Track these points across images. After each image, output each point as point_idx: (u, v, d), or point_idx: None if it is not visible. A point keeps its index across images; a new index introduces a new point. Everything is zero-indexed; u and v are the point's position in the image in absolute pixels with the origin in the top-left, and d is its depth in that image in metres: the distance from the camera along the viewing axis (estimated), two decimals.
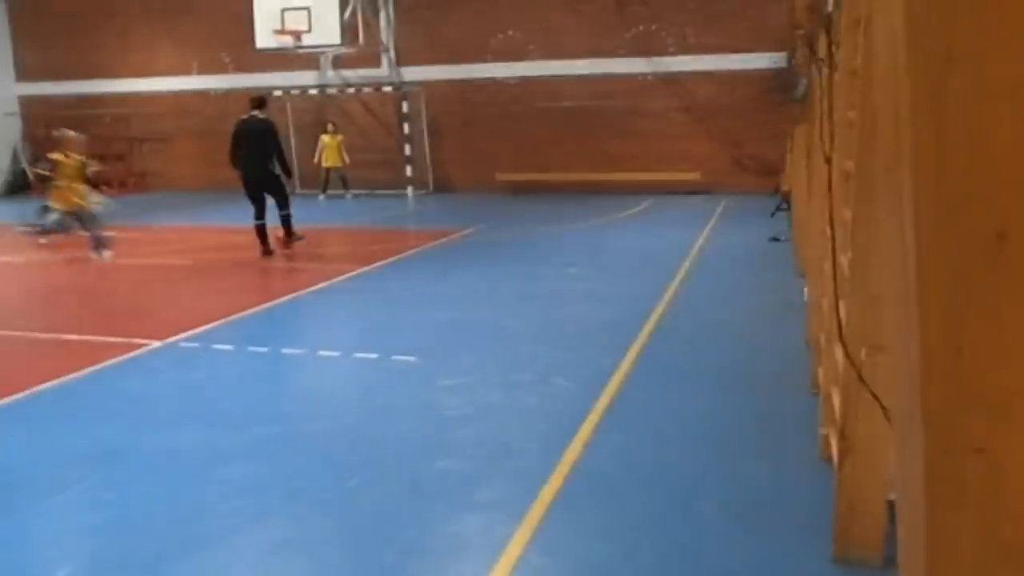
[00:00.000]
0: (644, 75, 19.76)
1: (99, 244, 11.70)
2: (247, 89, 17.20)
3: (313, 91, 21.41)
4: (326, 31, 18.96)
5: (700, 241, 12.59)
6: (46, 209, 12.09)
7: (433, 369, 6.41)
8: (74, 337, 7.58)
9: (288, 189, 12.14)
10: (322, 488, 4.39)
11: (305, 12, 18.85)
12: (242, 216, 12.48)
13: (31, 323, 8.32)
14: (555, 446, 4.81)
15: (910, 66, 1.17)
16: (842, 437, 3.40)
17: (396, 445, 4.95)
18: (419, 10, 20.90)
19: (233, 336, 7.45)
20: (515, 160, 20.80)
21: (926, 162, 1.16)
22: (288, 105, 21.05)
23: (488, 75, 20.87)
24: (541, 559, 3.63)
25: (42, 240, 12.19)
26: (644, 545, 3.75)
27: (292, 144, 20.38)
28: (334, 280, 10.00)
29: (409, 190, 20.92)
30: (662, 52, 19.56)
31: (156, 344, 7.18)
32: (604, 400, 5.60)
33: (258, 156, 11.55)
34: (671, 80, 19.64)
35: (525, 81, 20.68)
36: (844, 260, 3.55)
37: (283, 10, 18.94)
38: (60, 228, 11.92)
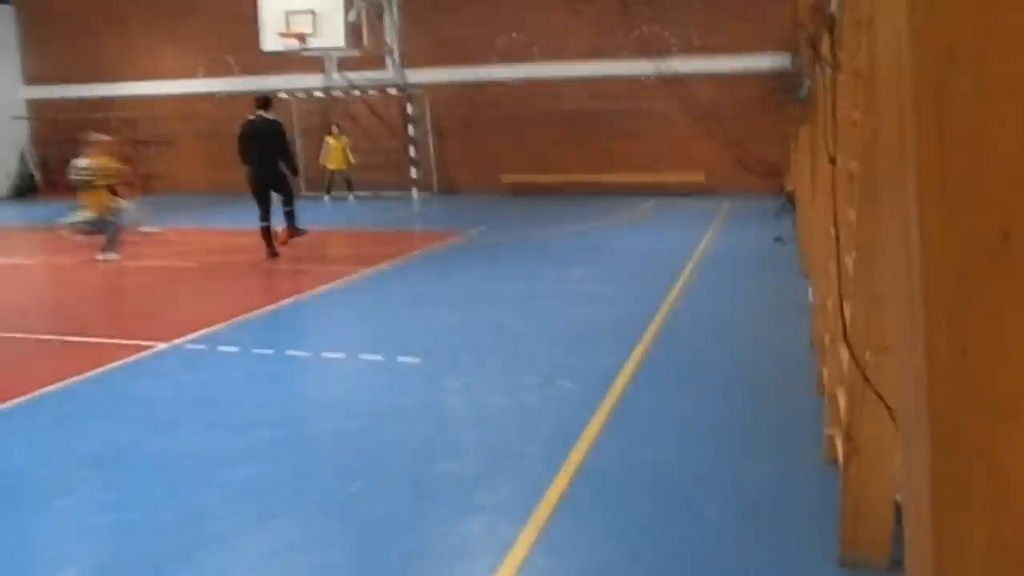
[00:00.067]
0: (647, 76, 19.74)
1: (110, 246, 11.79)
2: (252, 92, 17.24)
3: (318, 93, 21.45)
4: (331, 34, 19.00)
5: (704, 242, 12.58)
6: (77, 211, 12.22)
7: (437, 371, 6.41)
8: (79, 339, 7.60)
9: (294, 188, 12.19)
10: (326, 490, 4.39)
11: (310, 15, 18.89)
12: (247, 218, 12.51)
13: (36, 325, 8.35)
14: (560, 447, 4.81)
15: (913, 66, 1.16)
16: (847, 438, 3.39)
17: (400, 447, 4.96)
18: (423, 12, 20.92)
19: (238, 338, 7.46)
20: (519, 161, 20.82)
21: (930, 162, 1.16)
22: (293, 107, 21.09)
23: (492, 77, 20.89)
24: (547, 560, 3.63)
25: (79, 238, 12.31)
26: (649, 546, 3.74)
27: (297, 146, 20.41)
28: (339, 282, 10.02)
29: (414, 192, 20.95)
30: (665, 53, 19.52)
31: (161, 346, 7.19)
32: (609, 401, 5.60)
33: (267, 156, 11.59)
34: (674, 81, 19.59)
35: (529, 83, 20.70)
36: (848, 260, 3.54)
37: (288, 13, 18.98)
38: (95, 229, 12.05)
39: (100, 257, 11.69)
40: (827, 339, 4.80)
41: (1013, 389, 1.15)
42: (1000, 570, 1.19)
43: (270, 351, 7.05)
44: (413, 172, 20.98)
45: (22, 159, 24.88)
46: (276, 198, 11.82)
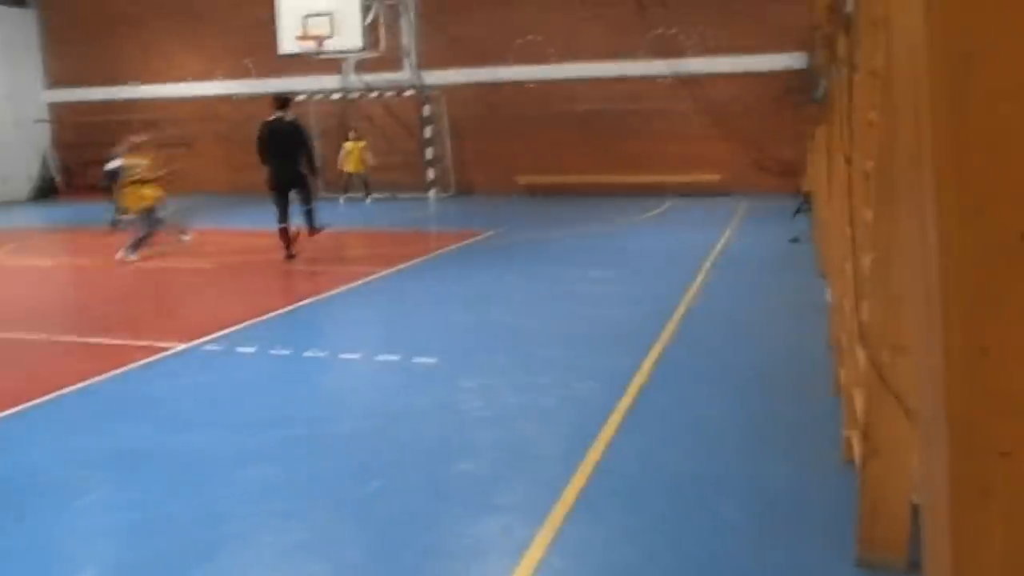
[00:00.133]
0: (664, 77, 19.71)
1: (139, 244, 11.94)
2: (270, 94, 17.34)
3: (335, 95, 21.56)
4: (348, 36, 19.10)
5: (721, 242, 12.53)
6: (119, 211, 12.42)
7: (454, 371, 6.42)
8: (98, 340, 7.68)
9: (313, 188, 12.25)
10: (343, 490, 4.41)
11: (327, 18, 19.00)
12: (265, 219, 12.58)
13: (56, 326, 8.43)
14: (577, 447, 4.81)
15: (929, 66, 1.16)
16: (865, 439, 3.38)
17: (417, 447, 4.97)
18: (440, 14, 20.98)
19: (256, 339, 7.51)
20: (536, 162, 20.83)
21: (946, 162, 1.16)
22: (310, 109, 21.20)
23: (509, 78, 20.91)
24: (563, 561, 3.63)
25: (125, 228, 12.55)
26: (666, 546, 3.74)
27: (315, 148, 20.53)
28: (356, 282, 10.06)
29: (431, 193, 21.01)
30: (682, 54, 19.50)
31: (180, 347, 7.25)
32: (626, 401, 5.59)
33: (287, 157, 11.65)
34: (691, 82, 19.57)
35: (545, 84, 20.70)
36: (865, 260, 3.52)
37: (306, 16, 19.10)
38: (143, 225, 12.29)
39: (119, 256, 11.81)
40: (844, 339, 4.77)
41: None
42: (1018, 570, 1.18)
43: (287, 352, 7.09)
44: (430, 173, 21.03)
45: (44, 162, 25.14)
46: (294, 198, 11.88)
